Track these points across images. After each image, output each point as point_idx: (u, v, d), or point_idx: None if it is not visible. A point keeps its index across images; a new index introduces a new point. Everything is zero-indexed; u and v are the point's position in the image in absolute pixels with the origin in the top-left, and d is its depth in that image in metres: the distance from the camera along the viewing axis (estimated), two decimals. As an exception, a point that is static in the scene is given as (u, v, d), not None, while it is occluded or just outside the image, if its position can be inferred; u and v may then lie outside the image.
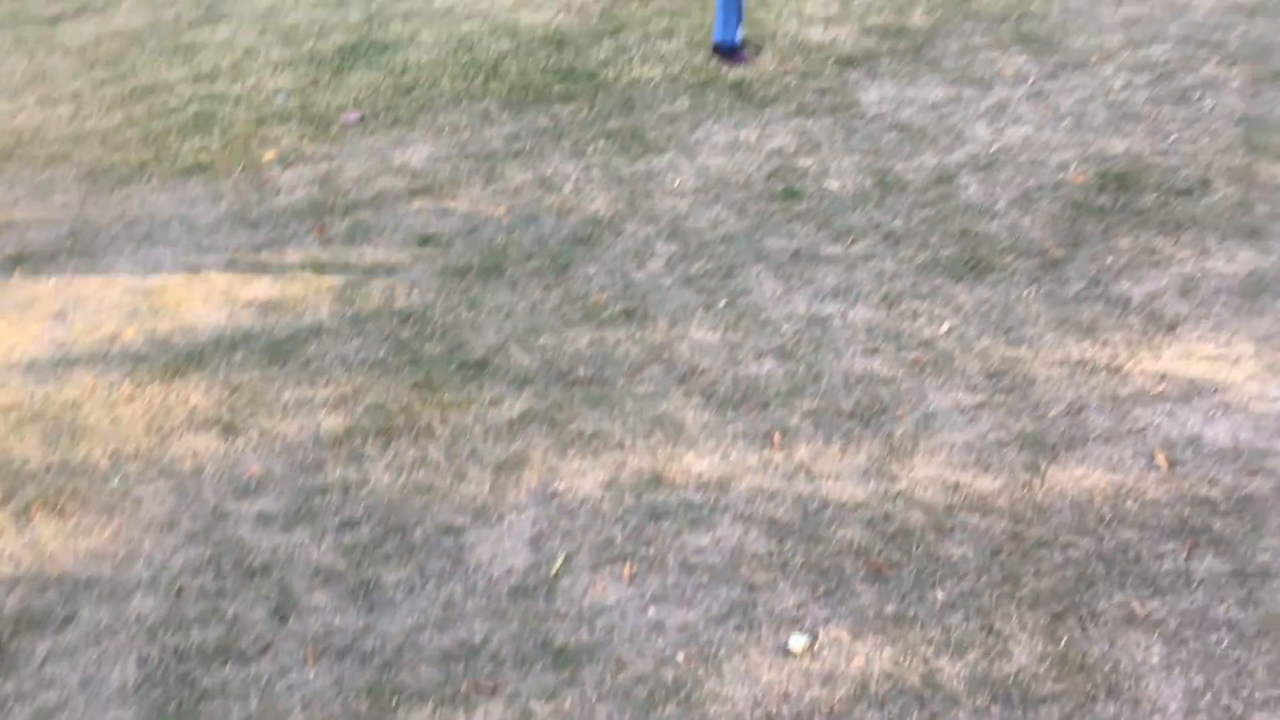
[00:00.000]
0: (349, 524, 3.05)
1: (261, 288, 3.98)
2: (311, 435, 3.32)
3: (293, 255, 4.16)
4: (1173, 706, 2.36)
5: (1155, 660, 2.46)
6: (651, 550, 2.87)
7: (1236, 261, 3.72)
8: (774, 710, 2.46)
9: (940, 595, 2.67)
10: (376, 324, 3.75)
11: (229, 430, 3.35)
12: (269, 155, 4.92)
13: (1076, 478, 2.94)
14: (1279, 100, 4.76)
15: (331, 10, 6.60)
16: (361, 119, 5.21)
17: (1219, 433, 3.03)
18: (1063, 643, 2.52)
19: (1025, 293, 3.68)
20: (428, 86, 5.50)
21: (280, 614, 2.82)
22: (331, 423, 3.36)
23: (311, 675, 2.66)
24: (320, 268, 4.08)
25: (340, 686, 2.62)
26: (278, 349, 3.66)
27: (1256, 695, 2.37)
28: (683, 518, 2.96)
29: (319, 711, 2.57)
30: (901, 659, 2.53)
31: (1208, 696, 2.37)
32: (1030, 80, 5.13)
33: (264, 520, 3.09)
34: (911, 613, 2.64)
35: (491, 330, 3.69)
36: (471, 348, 3.61)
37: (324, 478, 3.20)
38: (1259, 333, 3.39)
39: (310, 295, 3.92)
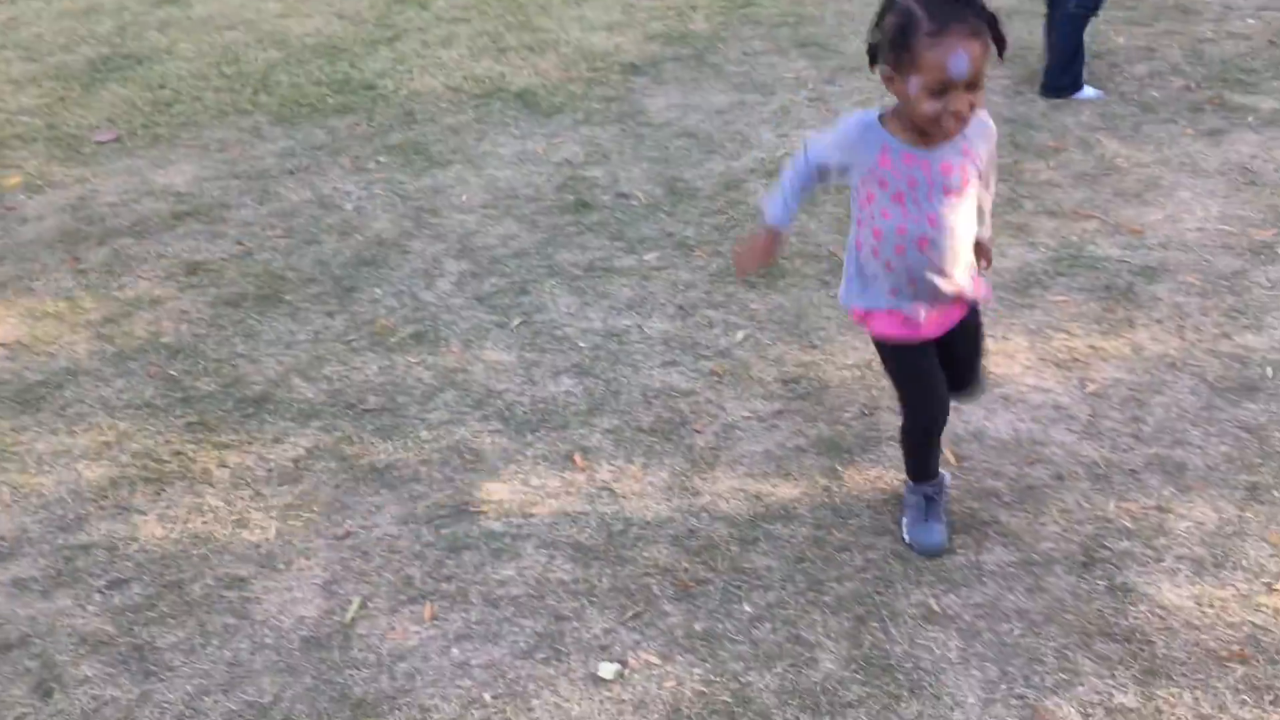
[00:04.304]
0: (117, 584, 2.80)
1: (8, 328, 3.64)
2: (71, 489, 3.04)
3: (43, 291, 3.82)
4: (971, 699, 2.41)
5: (953, 655, 2.51)
6: (453, 586, 2.75)
7: (1009, 257, 3.88)
8: (587, 743, 2.38)
9: (748, 608, 2.65)
10: (141, 362, 3.48)
11: (-25, 489, 3.03)
12: (12, 180, 4.51)
13: (872, 479, 2.99)
14: (1038, 100, 5.02)
15: (79, 20, 6.14)
16: (117, 138, 4.85)
17: (1000, 425, 3.14)
18: (866, 645, 2.54)
19: (816, 297, 3.73)
20: (190, 101, 5.18)
21: (43, 690, 2.56)
22: (93, 473, 3.08)
23: (82, 755, 2.41)
24: (75, 303, 3.75)
25: (115, 765, 2.39)
26: (29, 395, 3.34)
27: (1048, 680, 2.45)
28: (485, 549, 2.84)
29: (92, 795, 2.34)
30: (713, 677, 2.50)
31: (1003, 686, 2.43)
32: (810, 84, 5.25)
33: (19, 587, 2.80)
34: (720, 629, 2.61)
35: (271, 362, 3.47)
36: (250, 382, 3.39)
37: (87, 535, 2.93)
38: (1030, 325, 3.54)
39: (65, 334, 3.60)
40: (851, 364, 3.41)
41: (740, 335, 3.56)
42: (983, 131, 2.40)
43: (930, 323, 2.55)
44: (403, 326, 3.63)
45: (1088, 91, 5.03)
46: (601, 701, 2.46)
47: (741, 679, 2.49)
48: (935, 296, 2.50)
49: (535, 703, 2.46)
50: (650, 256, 3.97)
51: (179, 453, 3.13)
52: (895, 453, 3.06)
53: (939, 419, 2.73)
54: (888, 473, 3.00)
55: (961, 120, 2.23)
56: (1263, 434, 3.05)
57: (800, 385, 3.34)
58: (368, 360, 3.48)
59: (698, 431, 3.18)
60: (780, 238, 2.55)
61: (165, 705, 2.51)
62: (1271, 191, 4.18)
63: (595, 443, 3.15)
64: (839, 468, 3.03)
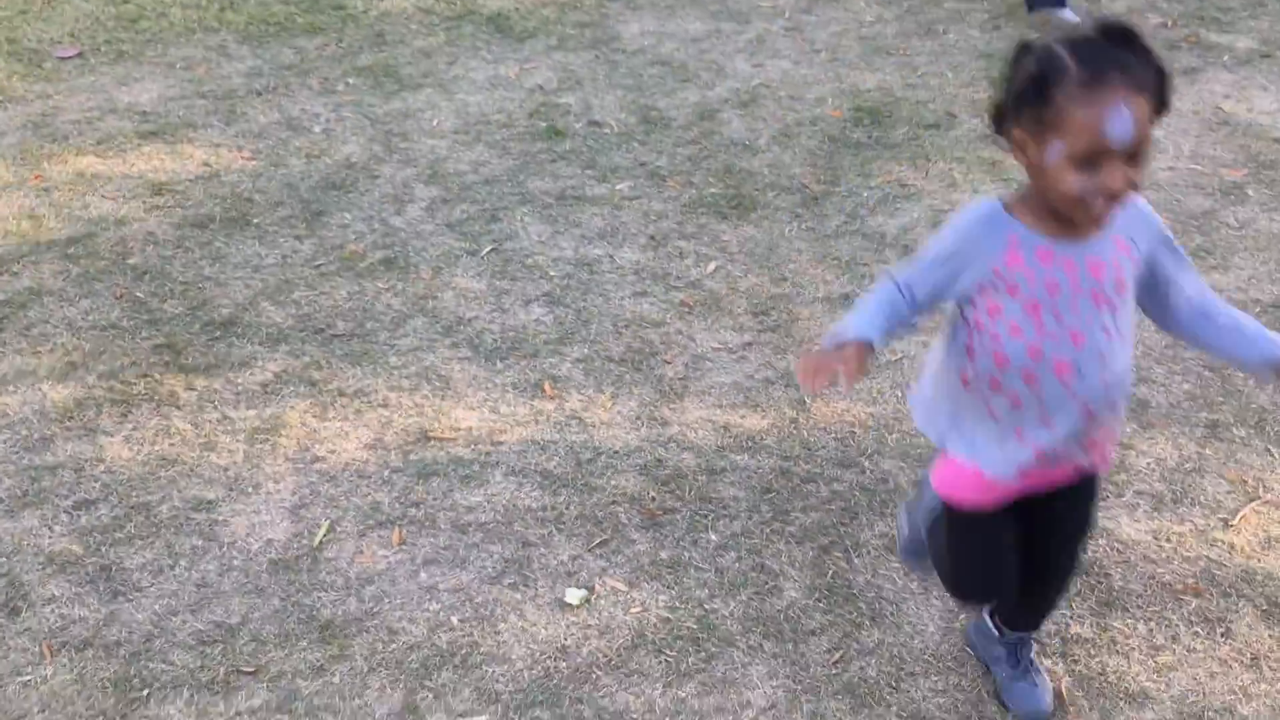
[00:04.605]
0: (84, 505, 2.79)
1: (-30, 246, 3.58)
2: (36, 409, 3.01)
3: (5, 208, 3.75)
4: (931, 628, 2.46)
5: (914, 585, 2.55)
6: (421, 512, 2.76)
7: (981, 192, 3.88)
8: (553, 666, 2.41)
9: (713, 537, 2.68)
10: (107, 283, 3.43)
11: (-63, 408, 3.00)
12: (-28, 95, 4.42)
13: (839, 412, 3.01)
14: (1017, 34, 4.98)
15: (41, -70, 5.97)
16: (80, 54, 4.74)
17: (968, 361, 3.16)
18: (829, 575, 2.58)
19: (788, 229, 3.73)
20: (155, 17, 5.05)
21: (10, 608, 2.55)
22: (59, 394, 3.05)
23: (49, 672, 2.42)
24: (39, 221, 3.69)
25: (83, 682, 2.40)
26: (-8, 314, 3.30)
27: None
28: (453, 475, 2.85)
29: (60, 711, 2.35)
30: (678, 604, 2.53)
31: (963, 616, 2.48)
32: (787, 14, 5.19)
33: (-15, 507, 2.79)
34: (686, 557, 2.64)
35: (239, 286, 3.44)
36: (217, 305, 3.36)
37: (53, 455, 2.91)
38: (1002, 262, 3.55)
39: (28, 253, 3.55)
40: (821, 296, 3.42)
41: (711, 266, 3.56)
42: (1140, 218, 1.86)
43: (1028, 478, 1.95)
44: (372, 252, 3.60)
45: (1068, 13, 5.00)
46: (568, 626, 2.49)
47: (706, 606, 2.52)
48: (1075, 439, 1.91)
49: (502, 626, 2.49)
50: (622, 186, 3.94)
51: (146, 375, 3.11)
52: (865, 389, 3.08)
53: (988, 603, 2.25)
54: (855, 406, 3.03)
55: (1115, 201, 1.71)
56: (1224, 373, 3.09)
57: (770, 317, 3.35)
58: (337, 285, 3.46)
59: (667, 362, 3.18)
60: (864, 352, 1.81)
61: (133, 624, 2.51)
62: (1244, 132, 4.19)
63: (565, 371, 3.15)
64: (806, 400, 3.05)
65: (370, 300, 3.40)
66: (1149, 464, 2.82)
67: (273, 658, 2.44)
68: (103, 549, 2.68)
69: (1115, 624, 2.42)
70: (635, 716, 2.31)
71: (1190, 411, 2.97)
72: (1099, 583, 2.52)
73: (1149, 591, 2.49)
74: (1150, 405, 2.99)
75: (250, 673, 2.41)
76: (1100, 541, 2.62)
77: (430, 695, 2.36)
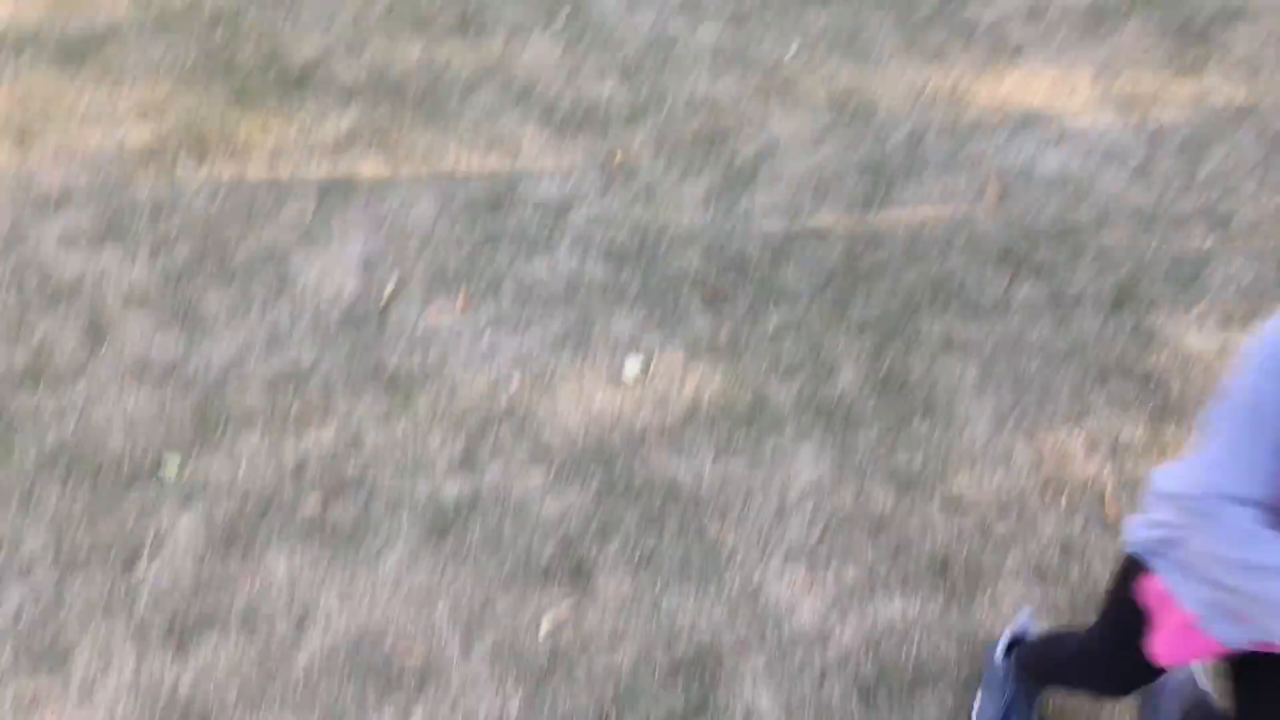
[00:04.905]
0: (163, 244, 2.86)
1: (47, -20, 3.56)
2: (116, 148, 3.06)
3: (82, -57, 3.71)
4: (982, 424, 2.49)
5: (970, 381, 2.58)
6: (487, 276, 2.80)
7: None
8: (607, 433, 2.49)
9: (773, 322, 2.70)
10: (183, 27, 3.41)
11: (22, 139, 3.05)
12: None
13: (911, 206, 2.97)
14: None
15: None
16: None
17: (1049, 162, 3.08)
18: (885, 366, 2.61)
19: (875, 15, 3.58)
20: None
21: (93, 337, 2.67)
22: (138, 135, 3.09)
23: (131, 400, 2.55)
24: (115, -41, 3.65)
25: (163, 411, 2.53)
26: (71, 50, 3.30)
27: (1057, 413, 2.52)
28: (520, 242, 2.88)
29: (141, 436, 2.49)
30: (732, 383, 2.58)
31: (1014, 416, 2.51)
32: None
33: (68, 239, 2.87)
34: (744, 338, 2.67)
35: (313, 39, 3.40)
36: (291, 58, 3.33)
37: (133, 194, 2.97)
38: (1097, 61, 3.40)
39: (105, -9, 3.52)
40: (904, 87, 3.31)
41: (792, 49, 3.44)
42: None
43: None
44: (446, 13, 3.52)
45: None
46: (624, 396, 2.55)
47: (760, 388, 2.57)
48: None
49: (560, 392, 2.56)
50: (708, -42, 3.78)
51: (222, 121, 3.12)
52: (940, 186, 3.02)
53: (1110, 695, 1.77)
54: (927, 201, 2.97)
55: None
56: (1316, 194, 2.98)
57: (849, 105, 3.26)
58: (410, 46, 3.40)
59: (739, 145, 3.13)
60: None
61: (210, 362, 2.62)
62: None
63: (636, 148, 3.12)
64: (880, 192, 3.00)
65: (443, 63, 3.35)
66: (1224, 280, 2.76)
67: (340, 404, 2.54)
68: (180, 288, 2.77)
69: (1168, 431, 2.44)
70: (685, 483, 2.40)
71: (1274, 230, 2.88)
72: (1157, 390, 2.52)
73: (1206, 403, 2.49)
74: (1234, 220, 2.90)
75: (319, 415, 2.52)
76: (1163, 353, 2.60)
77: (488, 450, 2.46)
